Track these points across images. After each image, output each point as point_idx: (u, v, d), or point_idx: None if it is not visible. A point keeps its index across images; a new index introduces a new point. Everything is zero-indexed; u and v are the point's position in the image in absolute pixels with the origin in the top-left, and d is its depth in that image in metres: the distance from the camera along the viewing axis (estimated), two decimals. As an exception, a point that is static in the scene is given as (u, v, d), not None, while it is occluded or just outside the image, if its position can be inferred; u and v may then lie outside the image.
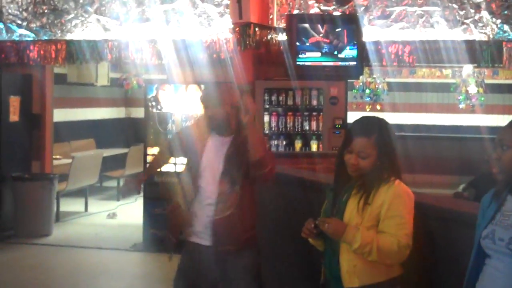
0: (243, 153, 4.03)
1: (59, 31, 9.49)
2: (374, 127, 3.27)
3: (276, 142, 8.49)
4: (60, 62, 9.46)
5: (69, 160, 10.51)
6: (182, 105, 8.27)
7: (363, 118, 3.40)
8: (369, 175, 3.21)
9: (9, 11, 9.68)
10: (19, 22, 9.64)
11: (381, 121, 3.34)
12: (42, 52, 9.38)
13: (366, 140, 3.20)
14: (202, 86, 4.39)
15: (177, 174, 8.04)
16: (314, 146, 8.46)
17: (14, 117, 9.37)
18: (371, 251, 3.03)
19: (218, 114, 4.10)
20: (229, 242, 4.10)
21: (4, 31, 9.68)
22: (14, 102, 9.37)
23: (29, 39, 9.57)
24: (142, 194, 8.66)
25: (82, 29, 9.39)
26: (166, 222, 4.59)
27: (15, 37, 9.65)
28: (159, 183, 8.24)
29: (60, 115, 11.45)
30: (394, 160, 3.26)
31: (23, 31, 9.62)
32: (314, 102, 8.49)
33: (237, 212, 4.09)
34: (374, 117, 3.41)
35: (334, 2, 8.52)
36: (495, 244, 2.63)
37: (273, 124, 8.53)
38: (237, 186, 4.09)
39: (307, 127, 8.49)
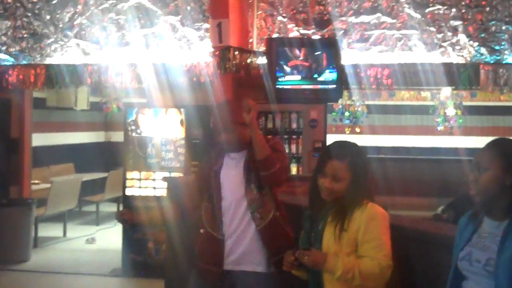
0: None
1: (39, 56, 9.46)
2: (347, 151, 3.30)
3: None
4: (39, 87, 9.42)
5: (48, 185, 10.44)
6: (162, 129, 8.26)
7: (336, 142, 3.41)
8: (343, 200, 3.21)
9: (-12, 35, 9.65)
10: (-2, 46, 9.61)
11: (354, 145, 3.37)
12: (21, 76, 9.34)
13: (340, 163, 3.22)
14: (215, 108, 4.21)
15: (157, 198, 8.05)
16: (294, 169, 8.47)
17: (-8, 141, 9.31)
18: (354, 276, 3.04)
19: (231, 137, 4.02)
20: (284, 249, 3.66)
21: (-18, 56, 9.65)
22: (-8, 127, 9.32)
23: (8, 63, 9.52)
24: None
25: (61, 53, 9.37)
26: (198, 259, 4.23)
27: (-6, 61, 9.61)
28: (138, 207, 8.20)
29: (39, 139, 11.38)
30: (367, 183, 3.28)
31: (2, 55, 9.57)
32: (294, 125, 8.52)
33: (278, 213, 4.03)
34: (347, 141, 3.42)
35: (313, 26, 8.57)
36: (472, 266, 2.64)
37: (253, 147, 8.51)
38: (266, 189, 4.01)
39: (287, 150, 8.50)
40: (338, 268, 3.05)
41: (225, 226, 4.02)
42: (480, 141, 12.78)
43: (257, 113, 3.98)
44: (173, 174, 7.96)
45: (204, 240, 4.12)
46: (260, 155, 3.90)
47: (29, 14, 9.50)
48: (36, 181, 10.90)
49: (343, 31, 8.49)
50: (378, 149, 12.32)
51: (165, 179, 7.35)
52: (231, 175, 4.06)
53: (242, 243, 3.98)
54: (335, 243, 3.15)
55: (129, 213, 4.52)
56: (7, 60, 9.57)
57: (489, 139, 2.84)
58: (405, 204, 9.54)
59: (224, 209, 4.02)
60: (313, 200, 3.35)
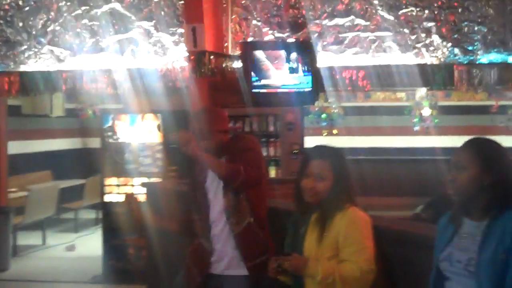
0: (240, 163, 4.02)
1: (12, 63, 9.39)
2: (328, 152, 3.34)
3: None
4: (14, 94, 9.35)
5: (25, 193, 10.39)
6: (139, 134, 8.24)
7: (317, 145, 3.45)
8: (325, 204, 3.23)
9: (-39, 43, 9.57)
10: (-29, 54, 9.53)
11: (335, 148, 3.42)
12: (-5, 84, 9.27)
13: (322, 162, 3.26)
14: (192, 115, 4.28)
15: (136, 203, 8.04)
16: (272, 172, 8.49)
17: (-33, 150, 9.22)
18: (335, 281, 3.05)
19: (210, 145, 4.07)
20: (258, 254, 4.05)
21: (-44, 64, 9.56)
22: (-33, 136, 9.23)
23: (-19, 71, 9.45)
24: (101, 225, 8.60)
25: (35, 60, 9.31)
26: (186, 262, 4.36)
27: (-33, 69, 9.53)
28: (118, 213, 8.19)
29: (15, 147, 11.28)
30: (349, 185, 3.30)
31: (-25, 63, 9.51)
32: (271, 128, 8.54)
33: (255, 219, 4.11)
34: (328, 145, 3.45)
35: (288, 29, 8.60)
36: (453, 266, 2.66)
37: (231, 151, 8.51)
38: (242, 194, 4.07)
39: (265, 153, 8.51)
40: (318, 272, 3.07)
41: (213, 234, 4.13)
42: (455, 141, 12.77)
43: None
44: (152, 180, 7.94)
45: (196, 249, 4.24)
46: (219, 175, 4.03)
47: (1, 22, 9.42)
48: (13, 189, 10.82)
49: (317, 34, 8.53)
50: (355, 151, 12.34)
51: (144, 184, 7.35)
52: (215, 185, 4.13)
53: (225, 249, 4.09)
54: (316, 247, 3.17)
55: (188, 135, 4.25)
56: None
57: (465, 138, 2.86)
58: (384, 204, 9.60)
59: (212, 219, 4.12)
60: (298, 204, 3.37)
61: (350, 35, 8.47)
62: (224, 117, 4.30)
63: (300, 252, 3.22)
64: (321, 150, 3.37)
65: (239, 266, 4.09)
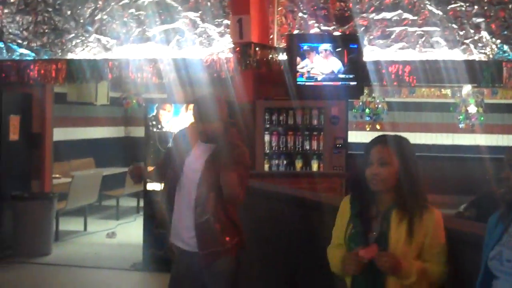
0: (219, 165, 4.22)
1: (60, 51, 9.51)
2: (390, 138, 3.24)
3: (276, 161, 8.48)
4: (60, 82, 9.47)
5: (69, 179, 10.50)
6: (182, 124, 8.27)
7: (379, 135, 3.35)
8: (405, 200, 3.10)
9: (10, 30, 9.71)
10: (20, 41, 9.67)
11: (398, 135, 3.32)
12: (42, 71, 9.38)
13: (383, 146, 3.16)
14: (197, 100, 4.49)
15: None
16: (314, 166, 8.45)
17: (14, 136, 9.36)
18: (421, 282, 2.99)
19: (211, 129, 4.28)
20: (211, 246, 4.29)
21: (4, 51, 9.71)
22: (14, 121, 9.37)
23: (29, 58, 9.59)
24: (141, 213, 8.66)
25: (82, 49, 9.42)
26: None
27: (15, 56, 9.67)
28: (159, 202, 8.23)
29: (60, 134, 11.44)
30: (418, 172, 3.18)
31: (23, 50, 9.64)
32: (315, 122, 8.48)
33: (213, 217, 4.28)
34: (389, 134, 3.38)
35: (334, 22, 8.55)
36: (503, 265, 2.61)
37: (274, 143, 8.52)
38: (212, 192, 4.26)
39: (307, 147, 8.48)
40: (413, 274, 2.97)
41: (177, 200, 4.41)
42: (501, 139, 12.71)
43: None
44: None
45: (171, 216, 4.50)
46: (230, 194, 4.24)
47: (50, 9, 9.56)
48: (57, 176, 10.98)
49: (364, 27, 8.47)
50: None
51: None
52: (194, 164, 4.35)
53: (185, 227, 4.35)
54: (404, 246, 3.04)
55: (138, 168, 4.70)
56: (29, 55, 9.64)
57: (510, 137, 2.80)
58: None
59: (178, 188, 4.39)
60: (362, 197, 3.23)
61: (397, 29, 8.39)
62: (226, 107, 4.47)
63: (384, 249, 3.04)
64: (382, 137, 3.26)
65: (194, 245, 4.33)
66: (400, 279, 2.99)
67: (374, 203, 3.20)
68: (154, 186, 8.33)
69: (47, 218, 9.06)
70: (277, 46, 8.58)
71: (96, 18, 9.37)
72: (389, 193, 3.16)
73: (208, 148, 4.34)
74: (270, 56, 8.35)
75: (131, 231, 10.35)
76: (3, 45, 9.73)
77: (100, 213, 12.17)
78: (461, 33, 8.23)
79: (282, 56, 8.35)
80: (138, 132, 13.20)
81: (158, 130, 8.33)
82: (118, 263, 8.59)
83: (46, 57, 9.53)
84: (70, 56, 9.46)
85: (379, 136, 3.27)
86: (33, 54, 9.61)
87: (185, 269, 4.41)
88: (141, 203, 10.16)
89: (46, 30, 9.59)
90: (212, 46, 8.86)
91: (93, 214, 11.66)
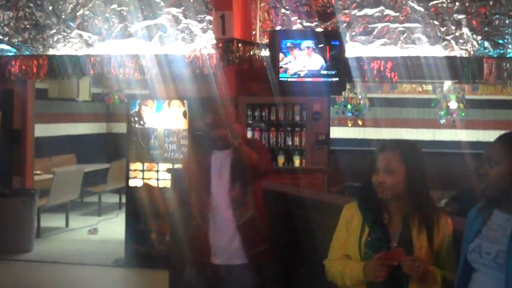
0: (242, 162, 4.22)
1: (41, 46, 9.45)
2: (398, 143, 3.19)
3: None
4: (42, 77, 9.42)
5: (50, 176, 10.47)
6: (164, 120, 8.26)
7: (385, 139, 3.29)
8: (420, 206, 3.05)
9: (-9, 26, 9.64)
10: (1, 37, 9.60)
11: (406, 140, 3.29)
12: (23, 67, 9.32)
13: (390, 153, 3.09)
14: (210, 105, 4.48)
15: (160, 189, 8.07)
16: (297, 162, 8.47)
17: (-5, 132, 9.31)
18: None
19: (226, 134, 4.23)
20: (258, 245, 4.30)
21: (-15, 46, 9.64)
22: (-5, 117, 9.32)
23: (10, 54, 9.52)
24: (123, 209, 8.66)
25: (64, 44, 9.37)
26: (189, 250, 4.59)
27: (-4, 52, 9.60)
28: (141, 198, 8.22)
29: (41, 130, 11.39)
30: (427, 181, 3.13)
31: (4, 46, 9.57)
32: (297, 118, 8.50)
33: (257, 212, 4.30)
34: (399, 138, 3.35)
35: (316, 19, 8.57)
36: (482, 258, 2.64)
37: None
38: (248, 187, 4.28)
39: (290, 143, 8.50)
40: (438, 282, 2.94)
41: (211, 220, 4.32)
42: (482, 135, 12.81)
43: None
44: (176, 166, 7.96)
45: (196, 232, 4.45)
46: (250, 163, 4.19)
47: (31, 5, 9.49)
48: (39, 172, 10.94)
49: (346, 23, 8.49)
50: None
51: (169, 170, 7.38)
52: (218, 172, 4.33)
53: (225, 238, 4.29)
54: (427, 252, 2.99)
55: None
56: (10, 50, 9.57)
57: (491, 132, 2.83)
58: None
59: (211, 205, 4.32)
60: (370, 203, 3.15)
61: (379, 25, 8.42)
62: (232, 110, 4.52)
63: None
64: (390, 142, 3.19)
65: (239, 255, 4.28)
66: (425, 286, 2.94)
67: (385, 209, 3.13)
68: (136, 182, 8.33)
69: (28, 215, 9.02)
70: (259, 42, 8.58)
71: (78, 13, 9.32)
72: (398, 200, 3.10)
73: (227, 152, 4.32)
74: (253, 52, 8.35)
75: (113, 228, 10.34)
76: (-17, 41, 9.66)
77: (82, 210, 12.13)
78: (443, 29, 8.27)
79: (265, 52, 8.35)
80: (120, 128, 13.16)
81: (140, 126, 8.32)
82: (100, 259, 8.58)
83: (28, 53, 9.47)
84: (51, 52, 9.40)
85: (385, 142, 3.20)
86: (14, 50, 9.54)
87: (216, 285, 4.38)
88: (123, 199, 10.15)
89: (28, 26, 9.52)
90: (195, 42, 8.85)
91: (75, 211, 11.62)
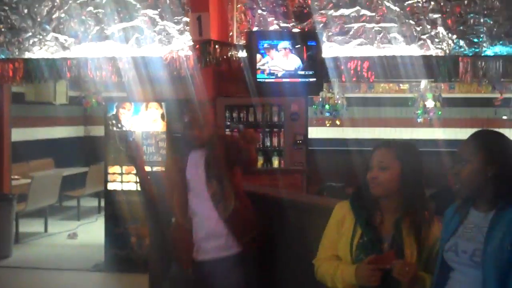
0: (219, 156, 4.31)
1: (17, 50, 9.38)
2: (394, 141, 3.18)
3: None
4: (18, 81, 9.35)
5: (28, 180, 10.38)
6: (142, 123, 8.24)
7: (384, 139, 3.27)
8: (412, 207, 3.03)
9: (-35, 30, 9.55)
10: (-24, 41, 9.52)
11: (402, 140, 3.26)
12: (-1, 71, 9.26)
13: (385, 150, 3.08)
14: (187, 106, 4.55)
15: (139, 192, 8.03)
16: (275, 162, 8.49)
17: (-29, 137, 9.22)
18: None
19: (204, 134, 4.35)
20: (248, 233, 4.33)
21: (-40, 50, 9.55)
22: (-29, 122, 9.23)
23: (-14, 58, 9.44)
24: (103, 213, 8.62)
25: (40, 48, 9.31)
26: (172, 248, 4.56)
27: (-29, 56, 9.51)
28: (120, 202, 8.19)
29: (18, 134, 11.29)
30: (421, 181, 3.11)
31: (-20, 50, 9.49)
32: (275, 118, 8.53)
33: (240, 202, 4.35)
34: (396, 138, 3.33)
35: (293, 19, 8.59)
36: (458, 256, 2.65)
37: (235, 140, 8.50)
38: (225, 182, 4.31)
39: (268, 143, 8.53)
40: (427, 285, 2.89)
41: (194, 219, 4.36)
42: (459, 133, 12.88)
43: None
44: (155, 169, 7.94)
45: (176, 230, 4.47)
46: (249, 159, 4.37)
47: (6, 8, 9.42)
48: (16, 177, 10.84)
49: (323, 24, 8.52)
50: (358, 142, 12.32)
51: (148, 173, 7.34)
52: (195, 171, 4.38)
53: (208, 233, 4.32)
54: (416, 255, 2.96)
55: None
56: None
57: (468, 130, 2.83)
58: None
59: (190, 202, 4.36)
60: (366, 204, 3.12)
61: (355, 25, 8.46)
62: (210, 110, 4.69)
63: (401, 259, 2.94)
64: (386, 141, 3.17)
65: (229, 246, 4.30)
66: None
67: (378, 209, 3.10)
68: (115, 186, 8.29)
69: (6, 220, 8.95)
70: (236, 43, 8.59)
71: (54, 16, 9.26)
72: (392, 199, 3.07)
73: (202, 152, 4.38)
74: (230, 53, 8.35)
75: (93, 232, 10.28)
76: (-42, 45, 9.57)
77: (61, 214, 12.05)
78: (418, 28, 8.33)
79: (242, 53, 8.35)
80: (98, 131, 13.10)
81: (118, 129, 8.27)
82: (80, 264, 8.53)
83: (3, 57, 9.40)
84: (27, 55, 9.34)
85: (383, 141, 3.19)
86: (-10, 54, 9.47)
87: (202, 280, 4.38)
88: (102, 203, 10.10)
89: (3, 29, 9.44)
90: (172, 43, 8.83)
91: (54, 215, 11.53)
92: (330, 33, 8.54)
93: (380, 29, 8.44)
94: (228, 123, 8.54)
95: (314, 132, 12.60)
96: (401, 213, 3.05)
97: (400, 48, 8.32)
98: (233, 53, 8.39)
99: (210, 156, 4.34)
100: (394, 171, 3.03)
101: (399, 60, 8.25)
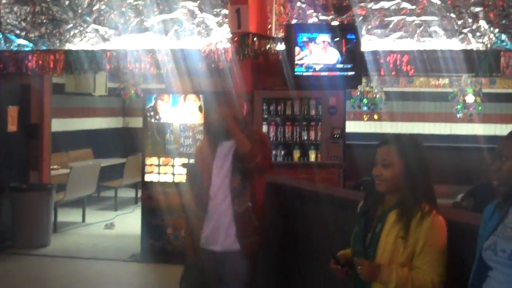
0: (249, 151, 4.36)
1: (58, 41, 9.47)
2: (398, 137, 3.18)
3: (274, 152, 8.47)
4: (59, 72, 9.45)
5: (67, 170, 10.50)
6: (180, 115, 8.27)
7: (390, 133, 3.30)
8: (402, 199, 3.04)
9: (8, 21, 9.66)
10: (18, 32, 9.63)
11: (409, 135, 3.27)
12: (40, 62, 9.35)
13: (388, 147, 3.10)
14: (220, 97, 4.64)
15: (176, 184, 8.08)
16: (312, 156, 8.45)
17: (12, 127, 9.34)
18: None
19: (237, 126, 4.42)
20: (251, 234, 4.45)
21: (2, 41, 9.67)
22: (12, 112, 9.35)
23: (27, 49, 9.54)
24: (140, 204, 8.66)
25: (80, 39, 9.38)
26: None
27: (13, 47, 9.62)
28: (157, 193, 8.24)
29: (58, 125, 11.44)
30: (424, 176, 3.08)
31: (21, 41, 9.60)
32: (313, 112, 8.48)
33: (253, 205, 4.48)
34: (403, 133, 3.33)
35: (332, 12, 8.52)
36: (497, 255, 2.59)
37: (272, 134, 8.51)
38: (248, 181, 4.45)
39: (305, 137, 8.49)
40: (392, 280, 2.91)
41: (209, 209, 4.48)
42: (499, 129, 12.72)
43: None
44: (192, 160, 7.96)
45: (194, 219, 4.60)
46: (242, 152, 4.36)
47: (48, 0, 9.51)
48: (55, 167, 10.97)
49: (362, 17, 8.43)
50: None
51: (184, 165, 7.37)
52: (221, 163, 4.49)
53: (218, 225, 4.45)
54: (391, 250, 2.99)
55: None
56: (27, 45, 9.59)
57: (509, 126, 2.77)
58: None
59: (211, 194, 4.46)
60: (369, 196, 3.23)
61: (395, 19, 8.36)
62: (242, 104, 4.66)
63: (372, 251, 3.04)
64: (390, 136, 3.18)
65: (234, 242, 4.42)
66: (381, 284, 2.96)
67: (381, 203, 3.16)
68: (152, 177, 8.34)
69: (45, 210, 9.07)
70: (275, 36, 8.55)
71: (94, 8, 9.32)
72: (394, 194, 3.10)
73: (233, 145, 4.45)
74: (268, 46, 8.33)
75: (130, 222, 10.37)
76: (1, 36, 9.68)
77: (98, 204, 12.19)
78: (459, 22, 8.20)
79: (280, 46, 8.32)
80: (136, 122, 13.22)
81: (156, 121, 8.33)
82: (116, 254, 8.62)
83: (44, 48, 9.49)
84: (68, 46, 9.42)
85: (386, 136, 3.20)
86: (31, 45, 9.56)
87: (207, 269, 4.52)
88: (139, 194, 10.17)
89: (44, 21, 9.54)
90: (210, 36, 8.83)
91: (91, 205, 11.66)
92: (369, 26, 8.45)
93: (420, 22, 8.33)
94: (266, 116, 8.53)
95: (352, 126, 12.53)
96: (393, 206, 3.08)
97: (441, 42, 8.20)
98: (271, 46, 8.37)
99: (239, 150, 4.40)
100: (397, 168, 3.06)
101: (439, 54, 8.14)
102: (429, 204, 3.02)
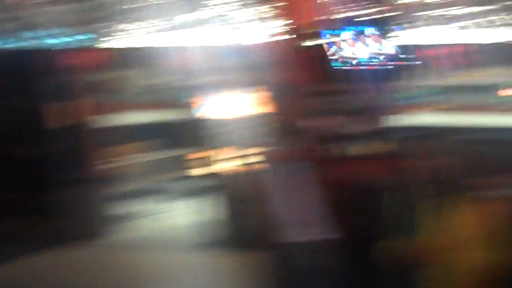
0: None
1: (107, 38, 9.80)
2: (436, 131, 3.24)
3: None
4: (110, 68, 9.67)
5: (131, 161, 10.72)
6: (239, 108, 8.65)
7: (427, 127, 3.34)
8: (444, 188, 3.11)
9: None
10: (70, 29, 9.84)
11: (446, 127, 3.33)
12: (96, 58, 9.57)
13: (427, 141, 3.32)
14: (276, 94, 4.72)
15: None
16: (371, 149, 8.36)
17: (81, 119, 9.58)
18: (455, 273, 3.02)
19: (295, 120, 4.82)
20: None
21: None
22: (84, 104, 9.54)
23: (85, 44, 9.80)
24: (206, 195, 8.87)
25: (129, 36, 9.55)
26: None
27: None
28: (226, 183, 8.44)
29: (118, 117, 11.48)
30: (465, 166, 3.14)
31: (77, 37, 9.91)
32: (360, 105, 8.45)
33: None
34: (440, 125, 3.40)
35: (379, 5, 8.52)
36: None
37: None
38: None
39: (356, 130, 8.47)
40: (444, 264, 3.00)
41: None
42: None
43: None
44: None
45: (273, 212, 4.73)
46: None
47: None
48: (116, 158, 11.08)
49: (407, 10, 8.41)
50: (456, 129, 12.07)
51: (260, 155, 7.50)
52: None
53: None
54: (440, 236, 3.05)
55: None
56: (85, 40, 9.83)
57: None
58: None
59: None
60: (413, 187, 3.26)
61: (439, 11, 8.33)
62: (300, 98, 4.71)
63: (425, 237, 3.07)
64: (430, 130, 3.26)
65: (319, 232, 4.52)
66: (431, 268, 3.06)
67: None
68: (221, 167, 8.57)
69: (106, 201, 9.35)
70: (319, 30, 8.53)
71: (143, 5, 9.44)
72: (434, 184, 3.17)
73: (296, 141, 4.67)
74: (317, 40, 8.35)
75: (197, 213, 10.16)
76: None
77: (159, 196, 12.06)
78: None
79: (329, 40, 8.35)
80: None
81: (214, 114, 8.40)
82: (179, 244, 8.75)
83: (94, 45, 9.80)
84: (116, 44, 9.68)
85: (428, 129, 3.25)
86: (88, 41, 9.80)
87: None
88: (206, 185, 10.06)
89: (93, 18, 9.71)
90: (264, 29, 8.86)
91: (160, 195, 11.60)
92: (418, 19, 8.43)
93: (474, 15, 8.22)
94: (314, 110, 8.59)
95: (396, 120, 12.35)
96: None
97: (487, 34, 8.15)
98: (320, 39, 8.44)
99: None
100: (439, 160, 3.18)
101: (494, 46, 8.04)
102: (472, 189, 3.12)
